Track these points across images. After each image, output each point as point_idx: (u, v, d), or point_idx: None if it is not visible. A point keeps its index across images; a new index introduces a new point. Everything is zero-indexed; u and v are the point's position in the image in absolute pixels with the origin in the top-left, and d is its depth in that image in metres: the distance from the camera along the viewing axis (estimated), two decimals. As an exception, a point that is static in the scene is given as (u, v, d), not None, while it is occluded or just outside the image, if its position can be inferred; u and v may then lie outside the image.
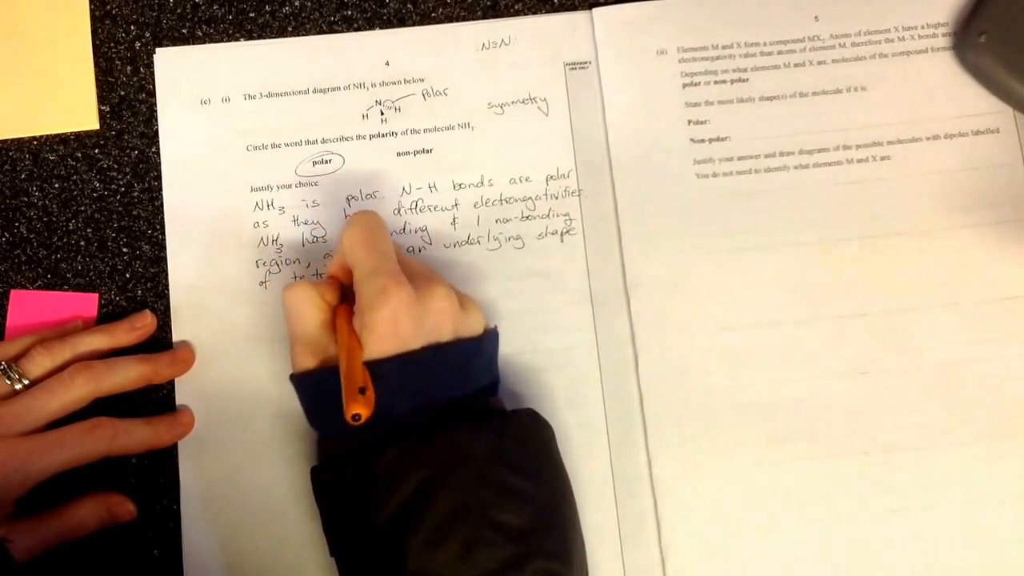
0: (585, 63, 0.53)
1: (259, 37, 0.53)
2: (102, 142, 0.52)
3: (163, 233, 0.51)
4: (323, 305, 0.44)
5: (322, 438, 0.44)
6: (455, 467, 0.39)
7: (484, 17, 0.53)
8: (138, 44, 0.53)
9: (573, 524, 0.42)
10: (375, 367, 0.40)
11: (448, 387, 0.42)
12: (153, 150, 0.52)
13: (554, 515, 0.41)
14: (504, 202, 0.51)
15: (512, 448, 0.41)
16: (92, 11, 0.53)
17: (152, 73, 0.52)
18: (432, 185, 0.51)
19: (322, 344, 0.43)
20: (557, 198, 0.51)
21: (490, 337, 0.44)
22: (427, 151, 0.52)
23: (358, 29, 0.53)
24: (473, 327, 0.43)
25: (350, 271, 0.43)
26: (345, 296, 0.45)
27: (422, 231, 0.51)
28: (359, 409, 0.38)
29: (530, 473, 0.41)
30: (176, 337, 0.49)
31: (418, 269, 0.44)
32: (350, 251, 0.43)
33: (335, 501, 0.42)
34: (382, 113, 0.52)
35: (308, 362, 0.43)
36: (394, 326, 0.40)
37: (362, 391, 0.39)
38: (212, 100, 0.52)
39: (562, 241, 0.51)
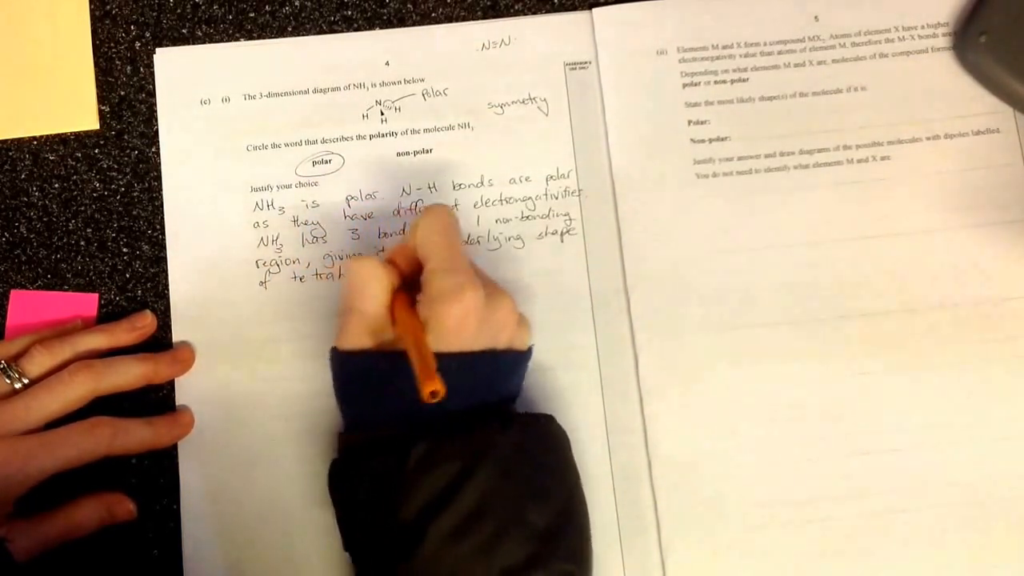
0: (585, 63, 0.53)
1: (259, 37, 0.53)
2: (102, 142, 0.52)
3: (163, 233, 0.51)
4: (389, 285, 0.43)
5: (343, 432, 0.44)
6: (483, 462, 0.39)
7: (484, 17, 0.53)
8: (138, 44, 0.53)
9: (587, 527, 0.43)
10: (436, 359, 0.40)
11: (489, 392, 0.42)
12: (153, 150, 0.52)
13: (572, 516, 0.41)
14: (504, 202, 0.51)
15: (538, 449, 0.42)
16: (92, 11, 0.53)
17: (152, 73, 0.52)
18: (432, 185, 0.51)
19: (379, 324, 0.43)
20: (557, 198, 0.51)
21: (530, 353, 0.45)
22: (427, 151, 0.52)
23: (358, 29, 0.53)
24: (524, 341, 0.44)
25: (411, 259, 0.44)
26: (401, 285, 0.44)
27: (422, 231, 0.51)
28: (438, 386, 0.38)
29: (552, 474, 0.41)
30: (176, 337, 0.49)
31: (483, 275, 0.45)
32: (425, 241, 0.43)
33: (355, 495, 0.42)
34: (382, 113, 0.52)
35: (362, 341, 0.42)
36: (462, 324, 0.40)
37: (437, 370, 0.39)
38: (212, 100, 0.52)
39: (562, 241, 0.51)
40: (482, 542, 0.38)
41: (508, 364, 0.43)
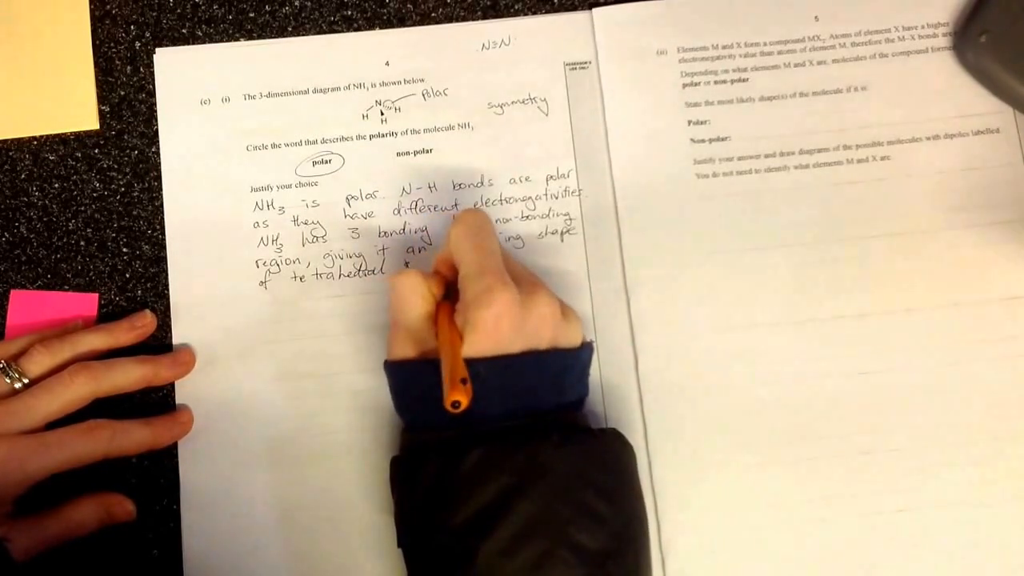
0: (585, 63, 0.53)
1: (259, 37, 0.53)
2: (102, 142, 0.52)
3: (163, 233, 0.51)
4: (430, 296, 0.44)
5: (406, 429, 0.44)
6: (537, 479, 0.39)
7: (484, 17, 0.53)
8: (138, 44, 0.53)
9: (645, 552, 0.42)
10: (473, 366, 0.40)
11: (540, 396, 0.42)
12: (153, 150, 0.52)
13: (628, 540, 0.41)
14: (504, 202, 0.51)
15: (595, 468, 0.41)
16: (92, 11, 0.53)
17: (152, 73, 0.52)
18: (432, 185, 0.51)
19: (423, 335, 0.43)
20: (557, 198, 0.51)
21: (586, 350, 0.44)
22: (427, 151, 0.52)
23: (358, 29, 0.53)
24: (572, 338, 0.43)
25: (454, 267, 0.44)
26: (447, 293, 0.45)
27: (422, 231, 0.51)
28: (460, 396, 0.38)
29: (610, 495, 0.41)
30: (176, 337, 0.49)
31: (522, 273, 0.45)
32: (456, 248, 0.43)
33: (412, 494, 0.42)
34: (382, 113, 0.52)
35: (407, 351, 0.43)
36: (496, 327, 0.40)
37: (463, 381, 0.39)
38: (212, 100, 0.52)
39: (562, 241, 0.51)
40: (531, 562, 0.38)
41: (554, 364, 0.42)
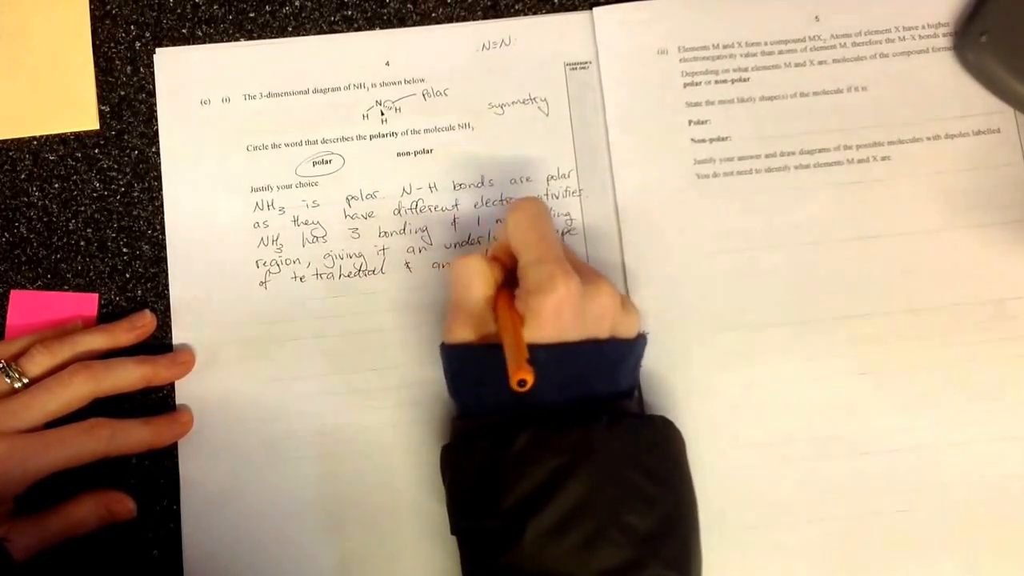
0: (585, 63, 0.53)
1: (259, 37, 0.53)
2: (102, 142, 0.52)
3: (163, 233, 0.51)
4: (491, 281, 0.44)
5: (456, 417, 0.44)
6: (587, 460, 0.39)
7: (484, 17, 0.53)
8: (138, 44, 0.53)
9: (694, 535, 0.42)
10: (532, 351, 0.40)
11: (594, 384, 0.42)
12: (153, 150, 0.52)
13: (677, 523, 0.41)
14: (504, 202, 0.51)
15: (645, 451, 0.41)
16: (92, 11, 0.53)
17: (152, 73, 0.52)
18: (432, 185, 0.51)
19: (483, 319, 0.43)
20: (557, 198, 0.51)
21: (641, 341, 0.44)
22: (427, 151, 0.52)
23: (358, 29, 0.53)
24: (630, 328, 0.44)
25: (512, 255, 0.44)
26: (506, 280, 0.45)
27: (422, 231, 0.51)
28: (526, 375, 0.38)
29: (659, 478, 0.41)
30: (176, 337, 0.49)
31: (581, 263, 0.45)
32: (515, 236, 0.43)
33: (463, 479, 0.42)
34: (382, 113, 0.52)
35: (466, 334, 0.43)
36: (557, 314, 0.40)
37: (528, 361, 0.39)
38: (212, 100, 0.52)
39: (563, 241, 0.51)
40: (580, 542, 0.38)
41: (612, 354, 0.42)
